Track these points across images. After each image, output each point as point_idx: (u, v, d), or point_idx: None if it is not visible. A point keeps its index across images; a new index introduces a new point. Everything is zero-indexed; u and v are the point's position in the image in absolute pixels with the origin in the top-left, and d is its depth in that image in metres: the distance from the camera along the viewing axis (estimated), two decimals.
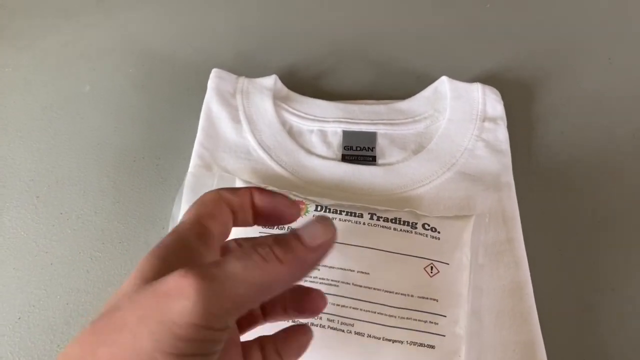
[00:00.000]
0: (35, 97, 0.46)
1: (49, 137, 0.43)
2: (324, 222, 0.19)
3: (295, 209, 0.23)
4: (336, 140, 0.42)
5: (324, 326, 0.31)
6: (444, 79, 0.44)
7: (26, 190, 0.41)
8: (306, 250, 0.18)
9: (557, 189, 0.42)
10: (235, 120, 0.42)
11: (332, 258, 0.33)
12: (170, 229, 0.36)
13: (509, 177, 0.40)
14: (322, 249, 0.19)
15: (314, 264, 0.19)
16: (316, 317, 0.31)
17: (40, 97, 0.46)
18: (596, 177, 0.42)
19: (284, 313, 0.24)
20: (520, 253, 0.37)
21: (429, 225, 0.35)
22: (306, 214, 0.35)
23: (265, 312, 0.25)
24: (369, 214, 0.35)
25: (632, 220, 0.41)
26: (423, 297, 0.32)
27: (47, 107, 0.45)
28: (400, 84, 0.47)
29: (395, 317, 0.31)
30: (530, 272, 0.36)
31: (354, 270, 0.33)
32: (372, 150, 0.41)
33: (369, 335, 0.31)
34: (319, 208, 0.35)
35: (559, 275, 0.38)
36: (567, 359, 0.35)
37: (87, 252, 0.38)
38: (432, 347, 0.31)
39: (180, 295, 0.16)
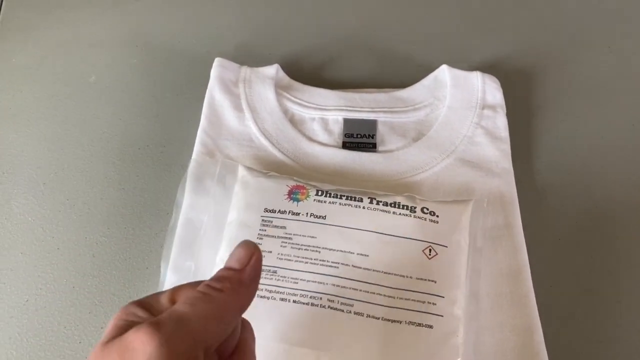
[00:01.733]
0: (42, 86, 0.46)
1: (56, 126, 0.44)
2: (244, 244, 0.20)
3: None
4: (337, 128, 0.43)
5: (324, 306, 0.31)
6: (444, 67, 0.44)
7: (33, 178, 0.42)
8: (238, 273, 0.20)
9: (556, 176, 0.42)
10: (238, 108, 0.42)
11: (333, 241, 0.34)
12: (174, 215, 0.37)
13: (507, 164, 0.40)
14: (252, 267, 0.20)
15: (251, 283, 0.20)
16: (317, 298, 0.32)
17: (47, 87, 0.46)
18: (595, 164, 0.43)
19: None
20: (519, 238, 0.37)
21: (427, 209, 0.35)
22: (307, 198, 0.36)
23: None
24: (368, 198, 0.35)
25: (630, 207, 0.41)
26: (421, 279, 0.32)
27: (53, 96, 0.46)
28: (401, 73, 0.48)
29: (394, 297, 0.32)
30: (529, 256, 0.36)
31: (353, 253, 0.33)
32: (372, 138, 0.42)
33: (368, 315, 0.31)
34: (319, 193, 0.36)
35: (557, 260, 0.38)
36: (564, 343, 0.35)
37: (92, 237, 0.39)
38: (430, 327, 0.31)
39: (142, 345, 0.17)
